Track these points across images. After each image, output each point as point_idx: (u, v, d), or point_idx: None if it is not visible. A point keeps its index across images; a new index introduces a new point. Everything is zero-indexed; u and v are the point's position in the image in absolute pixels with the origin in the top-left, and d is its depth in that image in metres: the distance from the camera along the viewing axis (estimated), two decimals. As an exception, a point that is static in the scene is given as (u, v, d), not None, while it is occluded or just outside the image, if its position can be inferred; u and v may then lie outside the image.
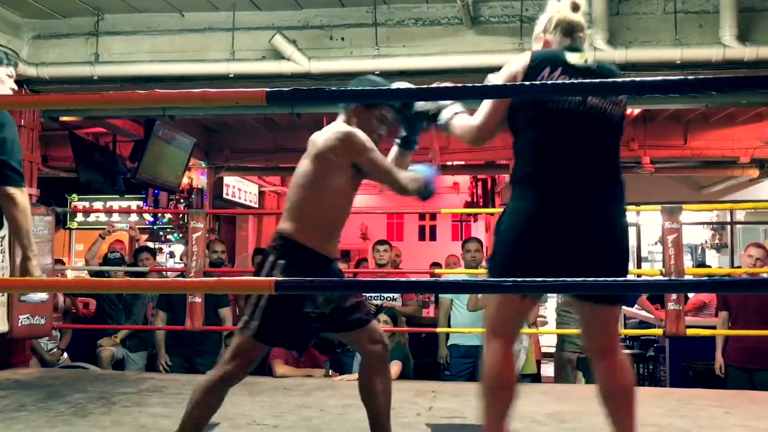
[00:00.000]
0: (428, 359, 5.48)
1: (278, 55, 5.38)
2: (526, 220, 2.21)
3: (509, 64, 2.35)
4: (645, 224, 10.21)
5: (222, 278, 2.42)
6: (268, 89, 1.50)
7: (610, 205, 2.26)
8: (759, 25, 5.10)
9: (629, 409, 2.27)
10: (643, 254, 10.84)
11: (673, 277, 4.24)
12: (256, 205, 12.21)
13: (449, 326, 5.19)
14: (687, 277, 4.38)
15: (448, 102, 2.54)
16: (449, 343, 5.22)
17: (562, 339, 5.78)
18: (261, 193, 12.52)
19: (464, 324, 5.07)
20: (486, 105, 2.37)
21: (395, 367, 4.69)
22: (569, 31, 2.36)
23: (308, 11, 5.51)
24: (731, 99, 6.03)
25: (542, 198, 2.21)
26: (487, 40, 5.34)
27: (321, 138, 2.58)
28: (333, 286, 2.31)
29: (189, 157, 8.35)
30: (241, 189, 11.47)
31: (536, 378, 5.63)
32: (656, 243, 9.67)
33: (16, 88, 3.13)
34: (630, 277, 4.37)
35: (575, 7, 2.39)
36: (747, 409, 3.57)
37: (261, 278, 1.92)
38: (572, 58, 2.29)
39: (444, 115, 2.51)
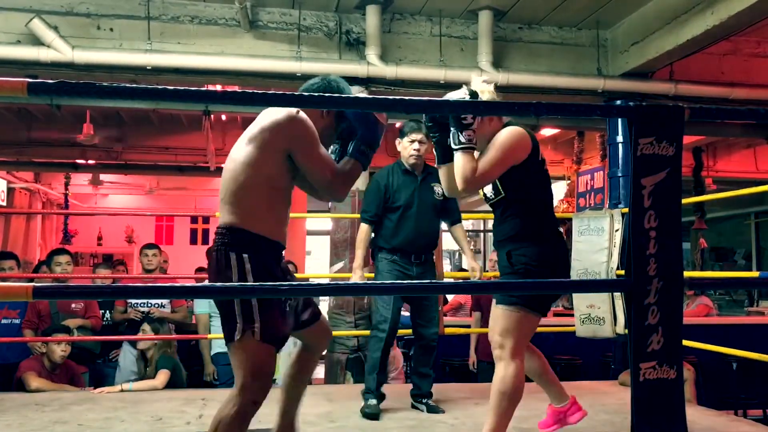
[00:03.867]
0: (199, 366, 5.32)
1: (36, 41, 4.93)
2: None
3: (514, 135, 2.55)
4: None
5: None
6: (29, 80, 1.38)
7: None
8: (510, 54, 5.69)
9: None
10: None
11: (434, 280, 4.53)
12: (4, 203, 11.05)
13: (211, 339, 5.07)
14: (446, 280, 4.73)
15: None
16: (213, 352, 5.11)
17: (333, 340, 5.93)
18: (10, 190, 11.35)
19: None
20: (495, 156, 2.47)
21: (163, 376, 4.49)
22: None
23: (73, -4, 5.13)
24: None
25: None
26: (265, 44, 5.35)
27: (264, 117, 2.33)
28: (86, 292, 2.16)
29: None
30: (-15, 185, 10.31)
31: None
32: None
33: (421, 150, 3.88)
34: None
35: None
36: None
37: (17, 285, 1.74)
38: None
39: (457, 140, 2.50)
